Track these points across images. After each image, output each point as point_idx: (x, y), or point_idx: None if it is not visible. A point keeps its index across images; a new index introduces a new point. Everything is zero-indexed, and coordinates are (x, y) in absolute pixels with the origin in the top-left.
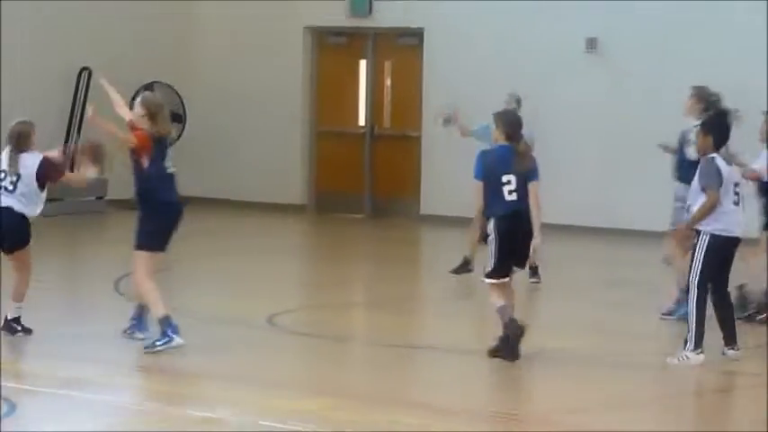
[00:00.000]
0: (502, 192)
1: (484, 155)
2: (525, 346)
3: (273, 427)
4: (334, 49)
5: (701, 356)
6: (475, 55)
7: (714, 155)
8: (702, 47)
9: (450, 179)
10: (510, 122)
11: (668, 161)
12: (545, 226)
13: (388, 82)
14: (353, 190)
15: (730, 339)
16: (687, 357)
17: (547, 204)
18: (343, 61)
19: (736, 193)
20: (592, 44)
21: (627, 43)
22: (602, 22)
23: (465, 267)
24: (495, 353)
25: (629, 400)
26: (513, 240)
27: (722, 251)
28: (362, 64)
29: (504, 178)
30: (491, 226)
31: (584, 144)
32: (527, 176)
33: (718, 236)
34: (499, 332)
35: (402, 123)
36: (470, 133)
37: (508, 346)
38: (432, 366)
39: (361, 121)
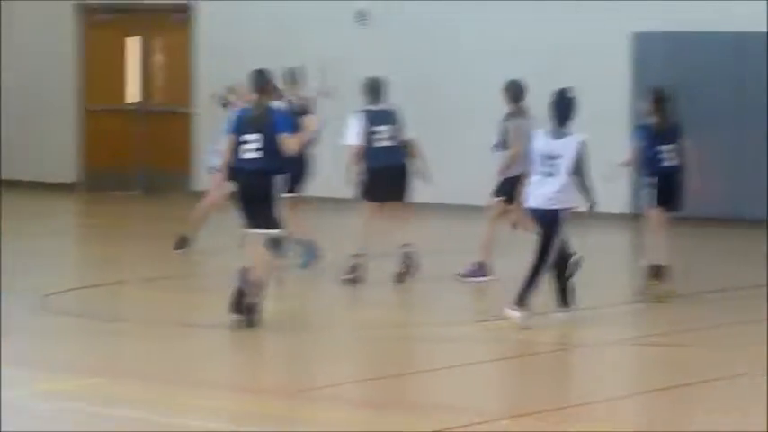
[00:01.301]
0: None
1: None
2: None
3: (49, 408)
4: (103, 25)
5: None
6: (247, 31)
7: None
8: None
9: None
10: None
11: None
12: None
13: (159, 58)
14: (125, 167)
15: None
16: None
17: None
18: (113, 38)
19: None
20: (362, 15)
21: (398, 16)
22: None
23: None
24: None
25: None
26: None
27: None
28: (132, 41)
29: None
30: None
31: None
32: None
33: None
34: None
35: (173, 99)
36: None
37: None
38: (203, 342)
39: (132, 98)
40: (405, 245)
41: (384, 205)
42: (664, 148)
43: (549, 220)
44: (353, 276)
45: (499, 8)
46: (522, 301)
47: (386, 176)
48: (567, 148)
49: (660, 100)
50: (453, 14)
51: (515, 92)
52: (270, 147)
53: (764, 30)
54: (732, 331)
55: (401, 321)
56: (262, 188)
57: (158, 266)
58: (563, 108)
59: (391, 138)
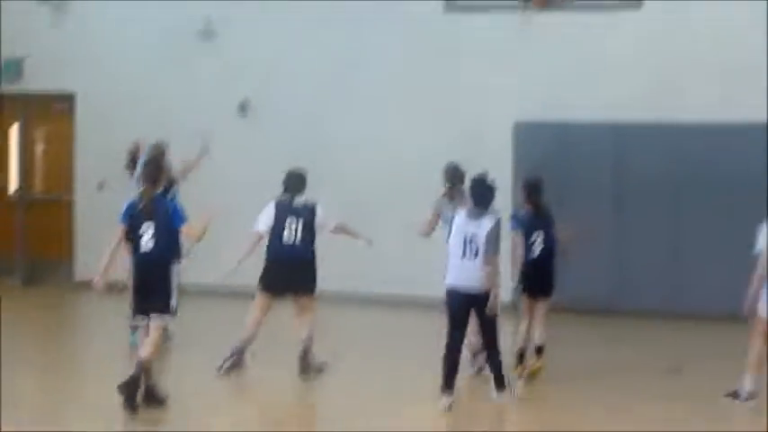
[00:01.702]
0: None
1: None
2: None
3: None
4: None
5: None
6: (125, 119)
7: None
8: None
9: (103, 244)
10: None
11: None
12: None
13: (40, 146)
14: (5, 256)
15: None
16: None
17: None
18: None
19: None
20: (243, 107)
21: (277, 104)
22: (254, 86)
23: None
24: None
25: None
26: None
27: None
28: (13, 128)
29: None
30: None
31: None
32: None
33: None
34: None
35: (54, 188)
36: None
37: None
38: None
39: (13, 186)
40: (304, 339)
41: (278, 298)
42: (535, 236)
43: (480, 301)
44: (230, 364)
45: (382, 97)
46: (500, 383)
47: (285, 269)
48: (485, 228)
49: (533, 189)
50: (334, 106)
51: (448, 174)
52: (163, 236)
53: (642, 119)
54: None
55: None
56: (157, 276)
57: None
58: (482, 191)
59: (298, 231)
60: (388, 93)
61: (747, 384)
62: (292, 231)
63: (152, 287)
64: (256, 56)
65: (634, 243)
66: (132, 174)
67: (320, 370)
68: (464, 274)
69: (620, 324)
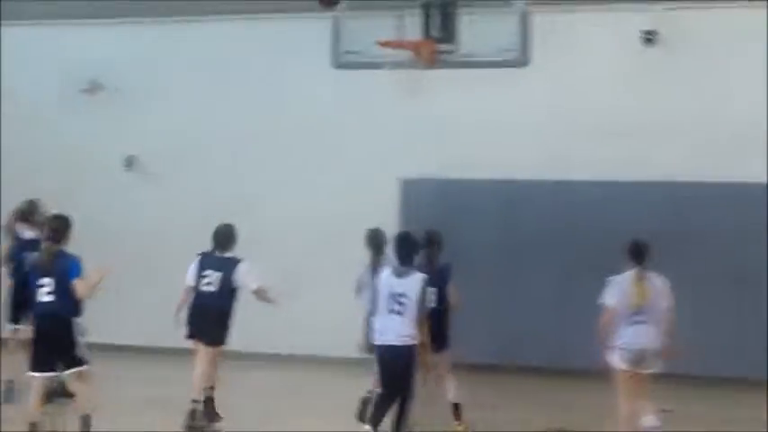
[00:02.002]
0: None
1: None
2: None
3: None
4: None
5: None
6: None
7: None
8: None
9: None
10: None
11: None
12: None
13: None
14: None
15: None
16: None
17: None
18: None
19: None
20: (130, 162)
21: (165, 159)
22: (140, 140)
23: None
24: None
25: None
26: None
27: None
28: None
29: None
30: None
31: (138, 256)
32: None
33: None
34: None
35: None
36: None
37: None
38: None
39: None
40: (206, 388)
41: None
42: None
43: (403, 357)
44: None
45: (270, 152)
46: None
47: (198, 317)
48: (411, 286)
49: (427, 244)
50: (223, 162)
51: (371, 242)
52: (61, 291)
53: (532, 178)
54: None
55: None
56: (57, 331)
57: None
58: (406, 249)
59: (215, 283)
60: (277, 148)
61: None
62: (210, 283)
63: (55, 342)
64: (142, 111)
65: (520, 300)
66: (19, 231)
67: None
68: (391, 330)
69: (506, 381)
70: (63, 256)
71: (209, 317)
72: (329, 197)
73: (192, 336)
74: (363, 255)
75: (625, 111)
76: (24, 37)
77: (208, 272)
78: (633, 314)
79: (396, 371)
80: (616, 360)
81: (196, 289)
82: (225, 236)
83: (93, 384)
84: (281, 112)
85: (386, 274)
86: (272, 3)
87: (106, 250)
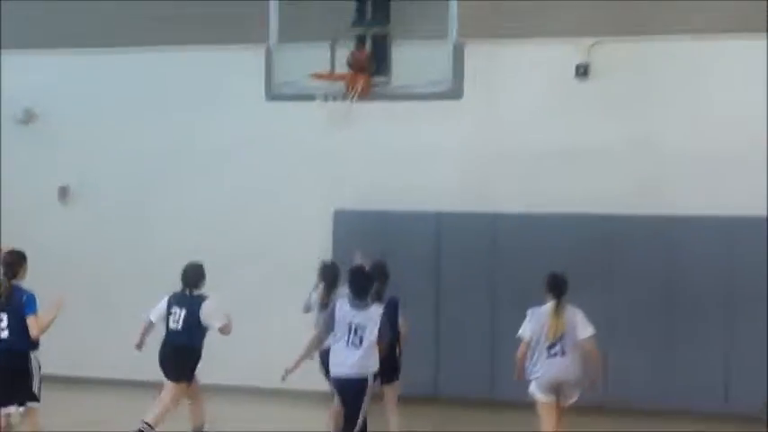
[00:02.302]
0: None
1: None
2: None
3: None
4: None
5: None
6: None
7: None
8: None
9: None
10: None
11: None
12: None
13: None
14: None
15: None
16: None
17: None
18: None
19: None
20: (64, 193)
21: (103, 190)
22: (75, 171)
23: None
24: None
25: None
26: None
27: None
28: None
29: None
30: None
31: (76, 287)
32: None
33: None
34: None
35: None
36: None
37: None
38: None
39: None
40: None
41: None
42: None
43: (356, 388)
44: None
45: (206, 182)
46: None
47: (166, 354)
48: (370, 318)
49: (375, 276)
50: (157, 191)
51: (323, 274)
52: (16, 326)
53: (461, 210)
54: None
55: None
56: (13, 366)
57: None
58: (362, 282)
59: (181, 320)
60: (212, 178)
61: None
62: (176, 320)
63: (11, 377)
64: (77, 141)
65: (453, 331)
66: None
67: None
68: (348, 361)
69: (443, 412)
70: (19, 290)
71: (174, 354)
72: (262, 228)
73: (162, 372)
74: (305, 283)
75: (545, 141)
76: None
77: (174, 309)
78: (549, 347)
79: (350, 401)
80: (535, 391)
81: (165, 326)
82: (193, 274)
83: (39, 422)
84: (215, 142)
85: (343, 306)
86: (206, 33)
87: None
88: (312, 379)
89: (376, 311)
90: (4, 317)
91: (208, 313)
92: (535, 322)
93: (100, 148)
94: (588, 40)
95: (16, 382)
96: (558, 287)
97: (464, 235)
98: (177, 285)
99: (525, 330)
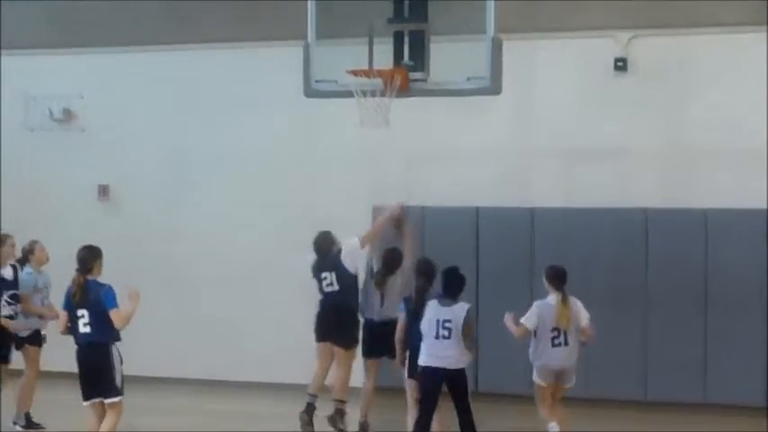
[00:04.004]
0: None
1: None
2: None
3: None
4: None
5: None
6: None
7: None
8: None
9: None
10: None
11: None
12: None
13: None
14: None
15: None
16: None
17: None
18: None
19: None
20: (104, 191)
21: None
22: (114, 169)
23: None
24: None
25: None
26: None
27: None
28: None
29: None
30: None
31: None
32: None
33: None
34: None
35: None
36: None
37: None
38: None
39: None
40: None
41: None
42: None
43: (457, 379)
44: None
45: (242, 181)
46: None
47: (330, 319)
48: (457, 313)
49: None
50: (192, 182)
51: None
52: (97, 320)
53: (499, 204)
54: None
55: None
56: (96, 359)
57: None
58: (455, 282)
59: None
60: (249, 175)
61: None
62: (330, 282)
63: (94, 372)
64: (115, 140)
65: (493, 325)
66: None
67: None
68: (440, 353)
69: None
70: (94, 285)
71: (338, 316)
72: (300, 226)
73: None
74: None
75: (594, 137)
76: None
77: (324, 274)
78: (554, 337)
79: (452, 394)
80: (536, 377)
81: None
82: (324, 240)
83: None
84: (253, 140)
85: (433, 304)
86: (243, 31)
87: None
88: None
89: (462, 308)
90: (86, 312)
91: (346, 252)
92: (541, 313)
93: (138, 146)
94: (626, 34)
95: (99, 376)
96: (559, 278)
97: (502, 230)
98: (220, 283)
99: (530, 320)
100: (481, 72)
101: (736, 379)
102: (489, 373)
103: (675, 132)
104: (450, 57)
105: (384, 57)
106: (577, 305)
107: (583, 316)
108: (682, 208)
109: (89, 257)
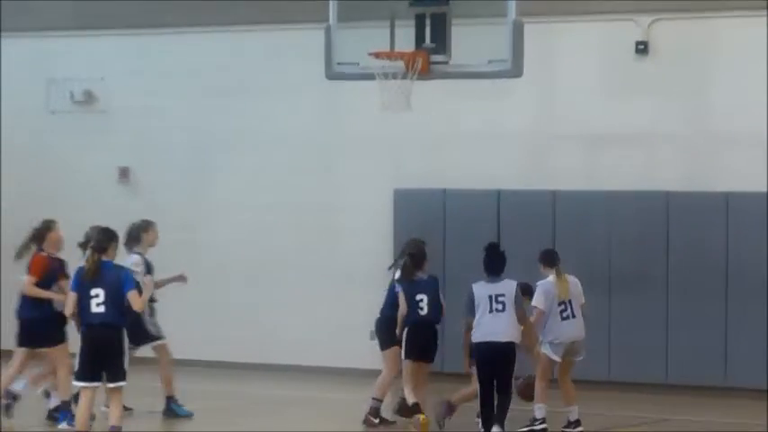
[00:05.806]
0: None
1: None
2: None
3: None
4: None
5: None
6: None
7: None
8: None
9: None
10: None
11: None
12: None
13: None
14: None
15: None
16: None
17: None
18: None
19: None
20: (124, 173)
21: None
22: (135, 152)
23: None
24: None
25: None
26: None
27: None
28: None
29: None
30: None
31: None
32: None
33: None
34: None
35: None
36: None
37: None
38: None
39: None
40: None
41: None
42: (419, 299)
43: (508, 354)
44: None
45: (265, 163)
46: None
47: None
48: (507, 288)
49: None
50: (214, 165)
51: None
52: (113, 301)
53: (521, 187)
54: None
55: None
56: (108, 340)
57: None
58: (498, 258)
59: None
60: (271, 158)
61: None
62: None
63: (104, 352)
64: (136, 123)
65: None
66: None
67: None
68: (494, 328)
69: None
70: (111, 266)
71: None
72: (322, 208)
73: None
74: (369, 266)
75: (615, 119)
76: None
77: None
78: (562, 311)
79: (498, 367)
80: (548, 352)
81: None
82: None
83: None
84: (275, 123)
85: (481, 284)
86: (264, 14)
87: None
88: None
89: (511, 283)
90: (101, 292)
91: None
92: (546, 291)
93: (159, 129)
94: (647, 18)
95: (109, 358)
96: (552, 259)
97: (524, 212)
98: (241, 268)
99: (540, 301)
100: (502, 55)
101: (756, 362)
102: None
103: (696, 115)
104: (472, 40)
105: (406, 40)
106: (577, 284)
107: (581, 297)
108: (703, 191)
109: (105, 238)
